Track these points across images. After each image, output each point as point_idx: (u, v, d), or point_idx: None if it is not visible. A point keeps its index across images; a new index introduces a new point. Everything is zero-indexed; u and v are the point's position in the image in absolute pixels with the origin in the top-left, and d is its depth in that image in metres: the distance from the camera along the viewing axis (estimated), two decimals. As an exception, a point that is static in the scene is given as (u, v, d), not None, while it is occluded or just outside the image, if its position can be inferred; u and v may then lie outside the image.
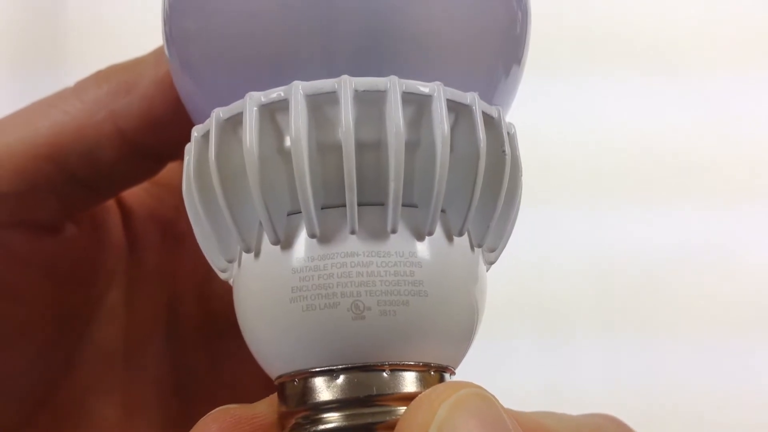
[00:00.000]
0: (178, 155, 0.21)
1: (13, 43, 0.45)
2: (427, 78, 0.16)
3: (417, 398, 0.15)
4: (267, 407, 0.17)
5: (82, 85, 0.21)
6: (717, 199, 0.43)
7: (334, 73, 0.16)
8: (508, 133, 0.17)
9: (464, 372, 0.18)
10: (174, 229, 0.23)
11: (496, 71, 0.18)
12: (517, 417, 0.18)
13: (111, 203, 0.23)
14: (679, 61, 0.45)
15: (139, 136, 0.20)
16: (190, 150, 0.17)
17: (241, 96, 0.16)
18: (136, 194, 0.23)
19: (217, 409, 0.17)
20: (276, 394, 0.17)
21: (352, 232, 0.15)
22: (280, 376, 0.16)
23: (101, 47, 0.44)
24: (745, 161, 0.44)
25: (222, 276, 0.17)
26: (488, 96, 0.18)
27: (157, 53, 0.21)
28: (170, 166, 0.22)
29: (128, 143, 0.20)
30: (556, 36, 0.44)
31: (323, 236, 0.15)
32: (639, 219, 0.43)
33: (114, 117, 0.20)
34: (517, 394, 0.40)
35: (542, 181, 0.43)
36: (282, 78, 0.16)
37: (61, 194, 0.20)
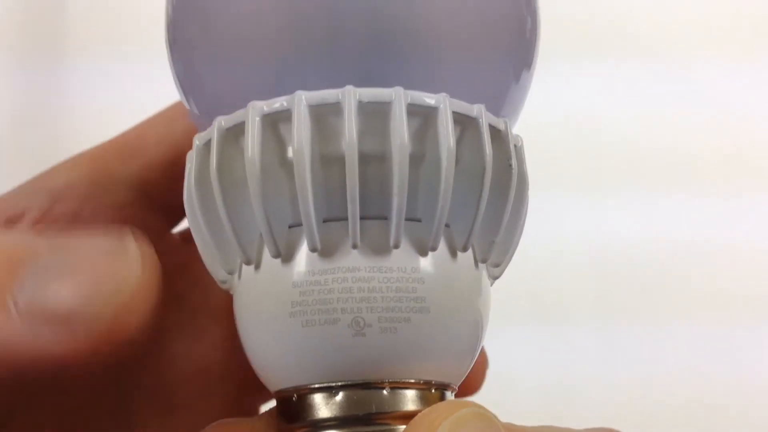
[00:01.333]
0: None
1: (15, 30, 0.44)
2: (435, 84, 0.16)
3: (416, 417, 0.15)
4: (265, 422, 0.17)
5: None
6: (715, 189, 0.43)
7: (339, 81, 0.15)
8: (515, 146, 0.17)
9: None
10: None
11: (506, 76, 0.18)
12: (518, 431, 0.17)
13: None
14: (678, 53, 0.45)
15: None
16: (191, 158, 0.16)
17: (244, 103, 0.15)
18: None
19: (216, 422, 0.17)
20: (274, 408, 0.16)
21: (354, 247, 0.15)
22: (278, 391, 0.16)
23: (104, 36, 0.44)
24: (742, 152, 0.44)
25: (222, 287, 0.17)
26: (498, 102, 0.17)
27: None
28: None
29: None
30: (554, 25, 0.43)
31: (324, 250, 0.15)
32: (637, 209, 0.43)
33: None
34: (515, 385, 0.40)
35: (540, 170, 0.42)
36: (287, 82, 0.16)
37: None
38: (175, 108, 0.22)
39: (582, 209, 0.43)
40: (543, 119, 0.42)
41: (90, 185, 0.21)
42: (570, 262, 0.42)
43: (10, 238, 0.15)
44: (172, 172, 0.18)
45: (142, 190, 0.21)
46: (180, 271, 0.21)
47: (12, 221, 0.20)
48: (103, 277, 0.15)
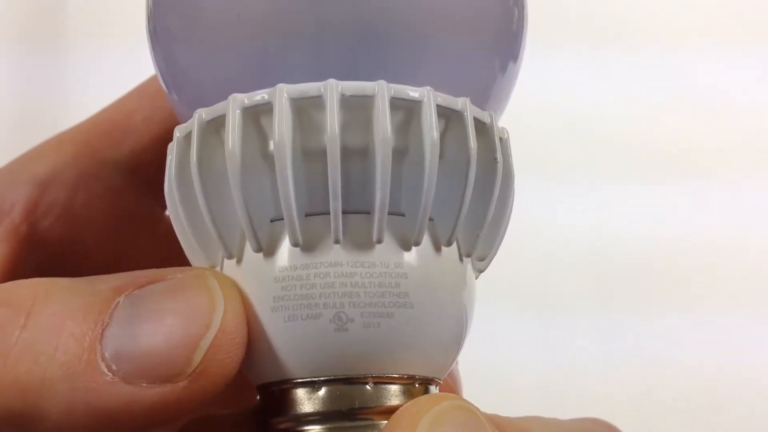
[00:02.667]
0: None
1: (16, 21, 0.44)
2: (420, 75, 0.16)
3: (398, 411, 0.15)
4: (247, 416, 0.16)
5: None
6: (713, 180, 0.43)
7: (322, 72, 0.15)
8: (501, 139, 0.16)
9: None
10: None
11: (492, 68, 0.17)
12: (503, 423, 0.17)
13: None
14: (676, 43, 0.45)
15: None
16: (172, 150, 0.16)
17: (226, 95, 0.15)
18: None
19: (198, 416, 0.17)
20: (257, 402, 0.16)
21: (337, 242, 0.15)
22: (261, 385, 0.16)
23: (104, 27, 0.44)
24: (739, 143, 0.44)
25: None
26: (484, 94, 0.17)
27: None
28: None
29: None
30: (548, 15, 0.43)
31: (306, 245, 0.15)
32: (635, 200, 0.43)
33: None
34: (512, 376, 0.40)
35: (537, 162, 0.42)
36: (269, 74, 0.15)
37: None
38: (156, 81, 0.21)
39: (579, 200, 0.43)
40: (543, 105, 0.42)
41: (78, 171, 0.20)
42: (567, 254, 0.42)
43: (84, 296, 0.15)
44: (164, 152, 0.18)
45: (134, 173, 0.21)
46: (176, 257, 0.21)
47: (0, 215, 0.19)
48: (188, 317, 0.14)
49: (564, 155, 0.44)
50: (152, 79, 0.21)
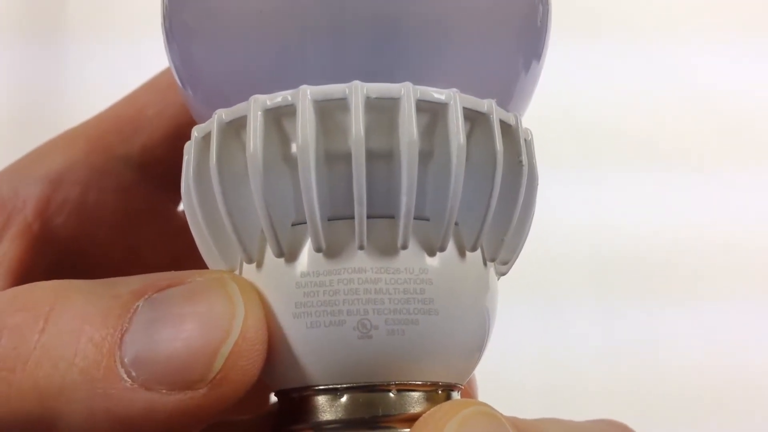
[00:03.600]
0: None
1: (16, 9, 0.43)
2: (442, 74, 0.15)
3: (422, 418, 0.14)
4: (263, 423, 0.16)
5: None
6: (712, 173, 0.43)
7: (343, 70, 0.15)
8: (525, 140, 0.16)
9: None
10: None
11: (515, 67, 0.17)
12: (523, 427, 0.17)
13: None
14: (674, 36, 0.44)
15: None
16: (189, 150, 0.16)
17: (246, 96, 0.15)
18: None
19: (214, 422, 0.16)
20: (273, 407, 0.16)
21: (361, 248, 0.14)
22: (280, 391, 0.16)
23: (105, 17, 0.43)
24: (738, 136, 0.44)
25: None
26: (507, 94, 0.17)
27: None
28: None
29: None
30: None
31: (330, 250, 0.15)
32: (636, 193, 0.43)
33: None
34: (514, 374, 0.40)
35: (539, 154, 0.42)
36: (289, 72, 0.15)
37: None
38: (168, 76, 0.21)
39: (580, 194, 0.42)
40: (541, 104, 0.41)
41: (90, 168, 0.20)
42: (568, 249, 0.42)
43: (103, 300, 0.14)
44: (176, 147, 0.18)
45: (146, 169, 0.21)
46: (188, 254, 0.21)
47: (12, 214, 0.19)
48: (208, 322, 0.14)
49: (565, 149, 0.43)
50: (163, 73, 0.21)
